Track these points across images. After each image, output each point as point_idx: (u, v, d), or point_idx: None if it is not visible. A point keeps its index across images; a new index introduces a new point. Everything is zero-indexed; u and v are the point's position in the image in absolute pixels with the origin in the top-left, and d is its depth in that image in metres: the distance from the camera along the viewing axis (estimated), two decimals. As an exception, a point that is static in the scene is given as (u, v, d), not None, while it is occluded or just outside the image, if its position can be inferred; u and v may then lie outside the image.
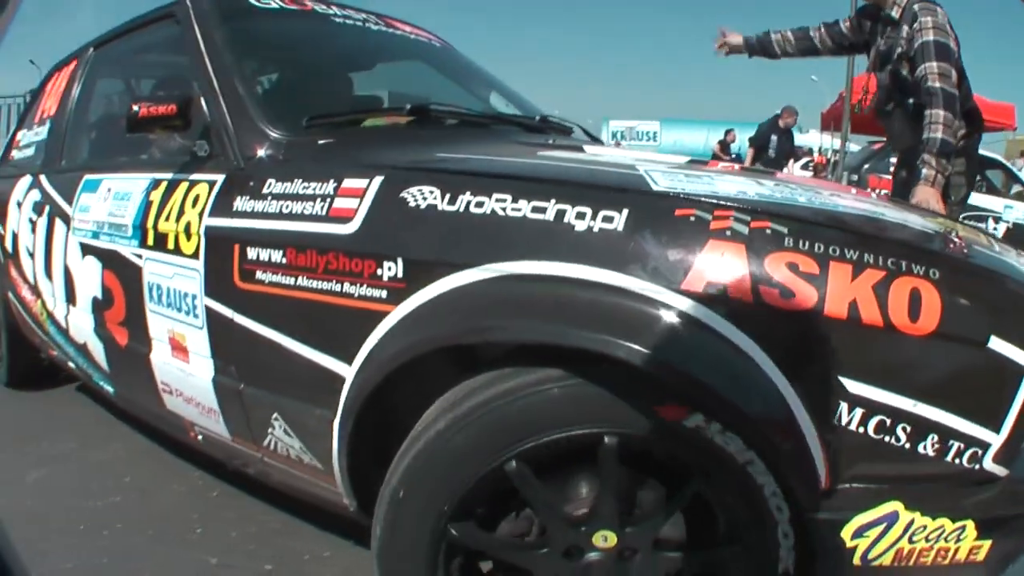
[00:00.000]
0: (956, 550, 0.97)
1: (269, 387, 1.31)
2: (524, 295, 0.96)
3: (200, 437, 1.66)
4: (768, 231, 0.93)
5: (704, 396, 0.92)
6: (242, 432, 1.44)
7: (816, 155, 13.64)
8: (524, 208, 0.98)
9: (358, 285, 1.09)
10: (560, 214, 0.96)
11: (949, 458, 0.95)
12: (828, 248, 0.92)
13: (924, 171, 2.12)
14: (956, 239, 1.13)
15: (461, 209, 1.03)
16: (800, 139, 10.55)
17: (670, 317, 0.91)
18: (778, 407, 0.91)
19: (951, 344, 0.92)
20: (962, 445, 0.95)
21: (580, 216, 0.95)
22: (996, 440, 0.95)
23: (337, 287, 1.12)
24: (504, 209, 0.99)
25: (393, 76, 2.40)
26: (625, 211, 0.95)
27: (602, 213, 0.95)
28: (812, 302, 0.89)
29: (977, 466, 0.96)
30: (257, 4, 1.89)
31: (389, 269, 1.05)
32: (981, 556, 0.97)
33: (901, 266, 0.92)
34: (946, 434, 0.94)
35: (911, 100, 2.27)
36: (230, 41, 1.68)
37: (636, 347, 0.89)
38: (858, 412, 0.92)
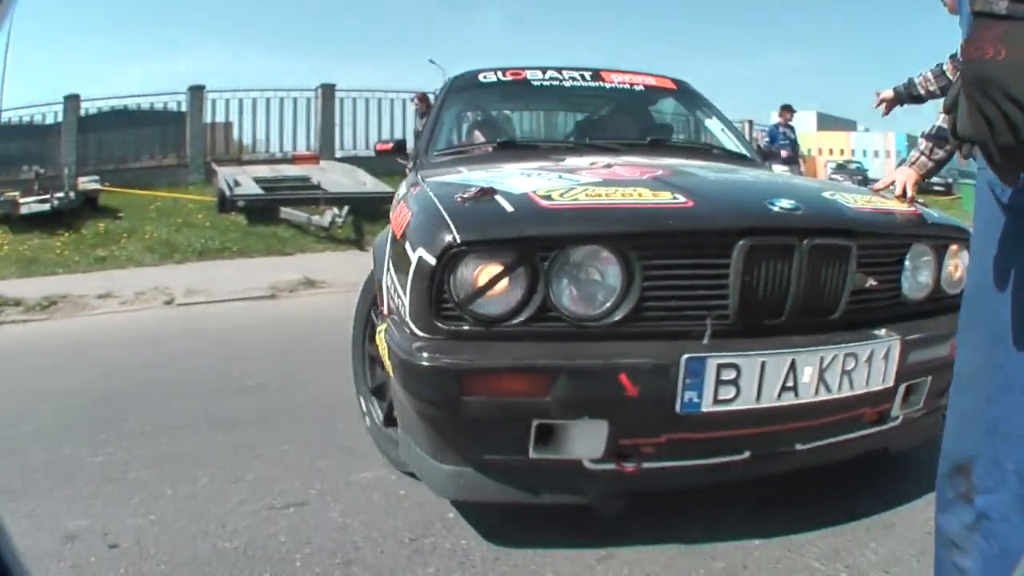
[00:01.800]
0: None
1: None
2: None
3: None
4: (409, 192, 2.22)
5: None
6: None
7: None
8: (404, 192, 2.46)
9: (396, 219, 2.72)
10: (405, 195, 2.40)
11: (396, 308, 1.82)
12: (407, 200, 2.09)
13: (912, 152, 2.35)
14: (477, 197, 1.82)
15: (402, 192, 2.52)
16: None
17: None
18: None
19: (406, 249, 1.77)
20: (399, 302, 1.79)
21: (406, 192, 2.37)
22: (402, 304, 1.75)
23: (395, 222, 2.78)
24: (405, 193, 2.46)
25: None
26: (407, 186, 2.38)
27: (401, 192, 2.40)
28: (399, 227, 1.94)
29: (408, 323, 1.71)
30: (483, 80, 3.39)
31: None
32: None
33: (418, 209, 1.90)
34: (396, 294, 1.83)
35: None
36: (447, 107, 3.30)
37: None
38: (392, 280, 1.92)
